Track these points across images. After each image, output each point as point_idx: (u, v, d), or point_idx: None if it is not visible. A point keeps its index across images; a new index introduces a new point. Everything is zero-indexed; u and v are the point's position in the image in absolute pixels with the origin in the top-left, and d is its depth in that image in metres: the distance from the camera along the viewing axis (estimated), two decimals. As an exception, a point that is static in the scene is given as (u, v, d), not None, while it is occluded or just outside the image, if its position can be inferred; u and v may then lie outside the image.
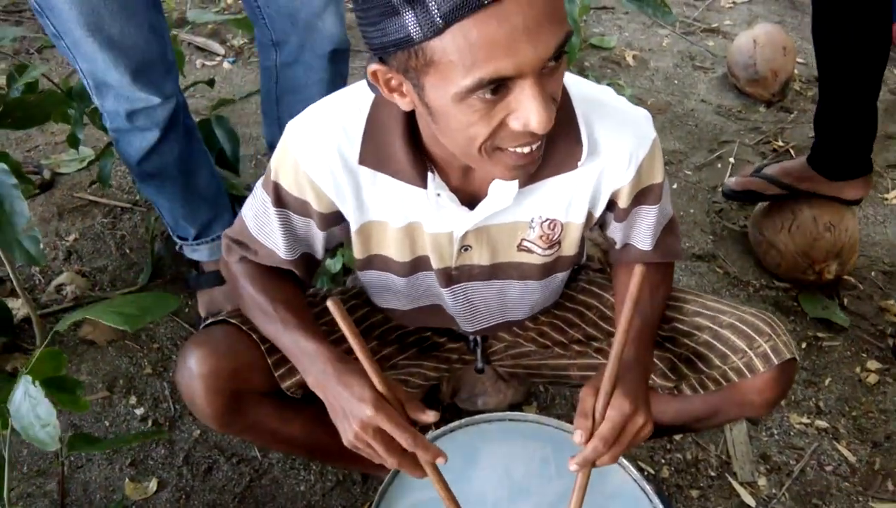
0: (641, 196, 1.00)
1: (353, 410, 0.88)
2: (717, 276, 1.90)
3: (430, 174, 0.90)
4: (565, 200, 0.97)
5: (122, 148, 1.46)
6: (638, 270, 0.86)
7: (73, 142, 1.61)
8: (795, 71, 2.64)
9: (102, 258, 1.84)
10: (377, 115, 0.90)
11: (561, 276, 1.12)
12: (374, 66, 0.76)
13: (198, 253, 1.65)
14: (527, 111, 0.73)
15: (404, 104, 0.80)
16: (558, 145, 0.91)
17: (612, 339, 1.14)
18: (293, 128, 0.94)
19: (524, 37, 0.68)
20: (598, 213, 1.01)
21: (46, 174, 2.03)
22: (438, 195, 0.91)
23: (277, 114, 1.65)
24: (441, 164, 0.91)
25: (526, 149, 0.79)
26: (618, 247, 1.09)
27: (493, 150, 0.79)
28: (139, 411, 1.54)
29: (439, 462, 0.88)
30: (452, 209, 0.93)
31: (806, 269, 1.82)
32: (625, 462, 1.03)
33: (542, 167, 0.91)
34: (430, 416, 0.89)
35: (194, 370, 0.98)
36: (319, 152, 0.92)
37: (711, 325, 1.07)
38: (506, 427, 1.09)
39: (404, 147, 0.88)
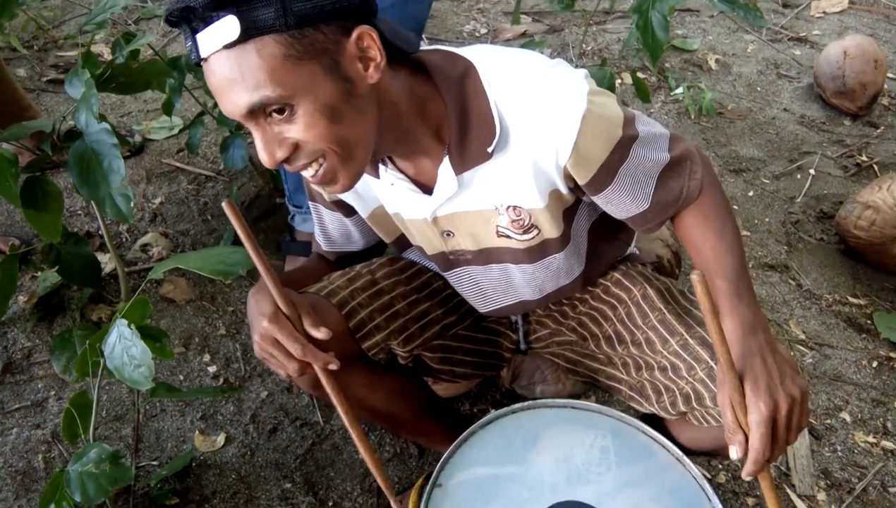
0: (604, 172, 0.95)
1: (255, 323, 0.95)
2: (788, 288, 1.86)
3: (381, 166, 0.99)
4: (513, 185, 0.97)
5: None
6: (697, 279, 0.78)
7: (168, 108, 1.69)
8: (885, 86, 2.56)
9: (185, 222, 1.93)
10: None
11: (560, 256, 1.09)
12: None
13: (308, 223, 1.72)
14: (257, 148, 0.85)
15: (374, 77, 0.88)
16: (476, 134, 0.92)
17: (631, 349, 1.13)
18: None
19: (219, 94, 0.81)
20: (564, 190, 0.98)
21: (137, 139, 2.13)
22: (392, 184, 0.99)
23: None
24: (398, 154, 0.98)
25: (307, 173, 0.88)
26: (634, 215, 1.03)
27: None
28: (212, 369, 1.61)
29: (332, 366, 0.93)
30: (413, 196, 1.00)
31: None
32: (686, 460, 1.03)
33: (466, 155, 0.94)
34: (321, 333, 0.93)
35: None
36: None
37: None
38: (568, 413, 1.11)
39: None
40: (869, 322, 1.79)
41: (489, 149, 0.92)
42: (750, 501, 1.43)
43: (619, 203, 1.00)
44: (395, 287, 1.14)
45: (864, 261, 1.94)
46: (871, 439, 1.54)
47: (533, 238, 1.05)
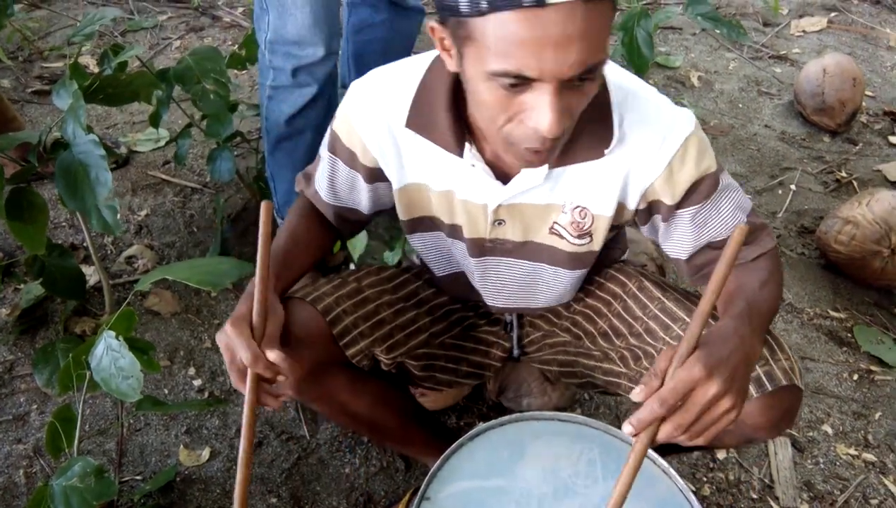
0: (687, 195, 0.98)
1: (227, 321, 0.93)
2: (770, 301, 1.89)
3: (467, 144, 0.95)
4: (595, 189, 0.99)
5: (275, 106, 1.57)
6: (737, 231, 0.77)
7: (156, 120, 1.69)
8: (864, 103, 2.61)
9: (171, 234, 1.92)
10: (428, 82, 0.96)
11: (582, 272, 1.12)
12: (433, 23, 0.83)
13: None
14: (538, 114, 0.78)
15: (451, 65, 0.84)
16: (590, 131, 0.93)
17: (630, 340, 1.14)
18: (355, 85, 1.02)
19: (553, 47, 0.72)
20: (631, 206, 1.01)
21: (123, 151, 2.13)
22: (473, 166, 0.96)
23: (347, 53, 1.90)
24: (479, 137, 0.96)
25: (534, 145, 0.83)
26: (685, 255, 1.05)
27: (507, 139, 0.84)
28: (197, 382, 1.60)
29: (281, 378, 0.91)
30: (486, 181, 0.98)
31: (881, 239, 1.84)
32: (672, 472, 1.04)
33: (572, 151, 0.94)
34: (273, 354, 0.89)
35: None
36: (370, 111, 1.00)
37: None
38: (554, 426, 1.11)
39: (447, 115, 0.94)
40: (849, 335, 1.82)
41: (606, 151, 0.94)
42: (734, 513, 1.44)
43: (680, 237, 1.03)
44: (380, 295, 1.15)
45: (845, 276, 1.97)
46: (852, 451, 1.56)
47: (583, 245, 1.06)
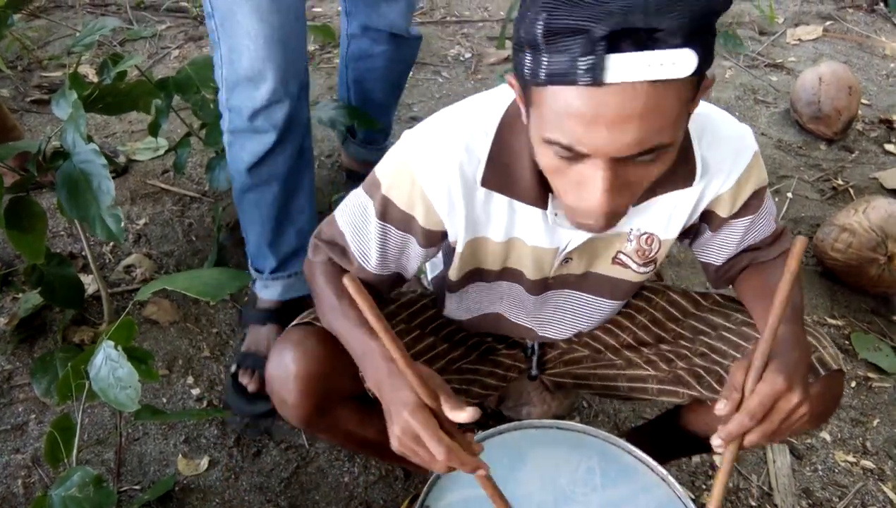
0: (743, 207, 1.00)
1: (395, 415, 0.85)
2: (767, 309, 1.89)
3: (550, 195, 0.92)
4: (667, 215, 0.99)
5: (235, 153, 1.45)
6: (799, 241, 0.80)
7: (155, 129, 1.69)
8: (859, 111, 2.62)
9: (170, 243, 1.92)
10: (504, 138, 0.91)
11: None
12: (510, 75, 0.81)
13: (269, 290, 1.61)
14: (589, 189, 0.76)
15: (524, 118, 0.82)
16: (676, 164, 0.90)
17: (660, 346, 1.16)
18: (412, 140, 0.93)
19: (607, 126, 0.70)
20: (689, 224, 1.02)
21: (122, 160, 2.13)
22: (556, 214, 0.93)
23: (346, 78, 1.84)
24: None
25: (588, 222, 0.81)
26: (720, 261, 1.08)
27: (567, 206, 0.82)
28: (195, 391, 1.60)
29: (481, 472, 0.86)
30: (566, 227, 0.95)
31: (877, 246, 1.84)
32: (671, 479, 1.04)
33: (658, 184, 0.91)
34: (465, 414, 0.83)
35: (291, 369, 0.98)
36: (440, 169, 0.92)
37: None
38: (553, 434, 1.11)
39: (531, 170, 0.90)
40: (847, 342, 1.82)
41: (694, 182, 0.94)
42: (733, 521, 1.44)
43: (723, 244, 1.05)
44: (398, 324, 1.13)
45: (842, 283, 1.97)
46: (850, 458, 1.56)
47: (647, 271, 1.05)
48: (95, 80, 1.63)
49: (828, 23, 3.31)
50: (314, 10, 3.13)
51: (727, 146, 0.95)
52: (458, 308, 1.16)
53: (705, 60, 0.69)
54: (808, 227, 2.17)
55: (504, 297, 1.11)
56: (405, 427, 0.84)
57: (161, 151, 2.17)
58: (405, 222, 0.97)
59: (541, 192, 0.92)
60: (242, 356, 1.57)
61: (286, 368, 0.99)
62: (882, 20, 3.39)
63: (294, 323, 1.09)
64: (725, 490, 0.84)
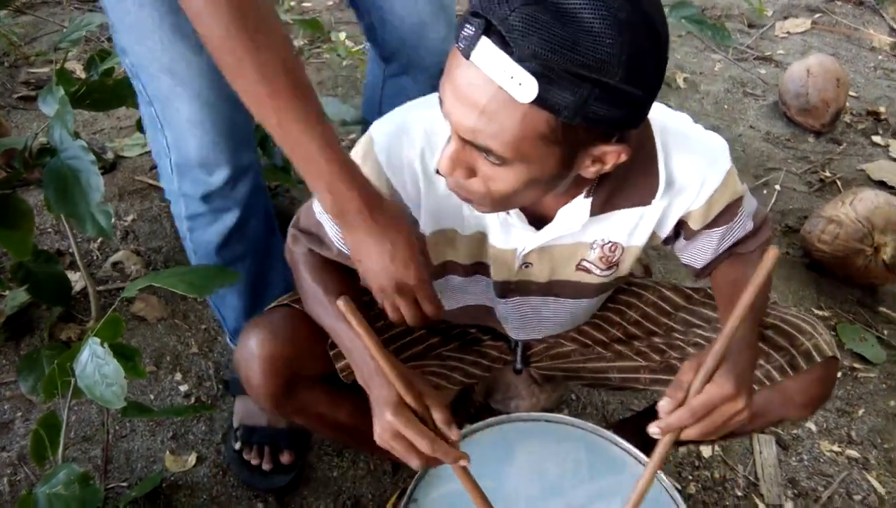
0: (715, 219, 1.01)
1: (379, 411, 0.89)
2: (755, 301, 1.90)
3: None
4: (631, 226, 0.99)
5: (198, 237, 1.34)
6: (771, 252, 0.81)
7: (142, 126, 1.68)
8: (847, 103, 2.63)
9: (158, 239, 1.92)
10: None
11: (605, 294, 1.15)
12: None
13: None
14: (444, 148, 0.80)
15: None
16: (636, 178, 0.93)
17: (652, 339, 1.17)
18: (380, 129, 0.95)
19: (456, 98, 0.74)
20: (663, 235, 1.03)
21: (110, 156, 2.12)
22: (507, 213, 0.94)
23: (379, 107, 1.63)
24: None
25: (446, 178, 0.84)
26: (699, 264, 1.09)
27: None
28: (183, 387, 1.60)
29: (462, 462, 0.89)
30: (519, 227, 0.96)
31: (864, 238, 1.85)
32: (658, 471, 1.05)
33: (616, 198, 0.94)
34: (453, 434, 0.88)
35: (255, 351, 1.01)
36: (403, 158, 0.94)
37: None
38: (541, 427, 1.12)
39: None
40: (833, 333, 1.84)
41: (653, 200, 0.94)
42: (720, 512, 1.45)
43: (701, 250, 1.05)
44: (376, 307, 1.14)
45: (829, 274, 1.99)
46: (836, 448, 1.58)
47: (611, 275, 1.06)
48: (83, 75, 1.62)
49: (816, 15, 3.32)
50: (304, 4, 3.12)
51: (697, 164, 0.95)
52: (444, 298, 1.15)
53: (568, 111, 0.69)
54: (796, 219, 2.18)
55: (482, 291, 1.12)
56: (387, 424, 0.87)
57: (149, 147, 2.16)
58: None
59: None
60: (244, 431, 1.45)
61: (250, 350, 1.02)
62: (870, 13, 3.40)
63: (270, 306, 1.11)
64: (653, 477, 0.86)
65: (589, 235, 1.00)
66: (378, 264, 0.92)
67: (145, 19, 1.07)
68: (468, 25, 0.70)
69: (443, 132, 0.93)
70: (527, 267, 1.03)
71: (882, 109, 2.72)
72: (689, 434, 0.84)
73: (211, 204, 1.27)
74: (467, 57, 0.70)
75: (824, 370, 1.02)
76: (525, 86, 0.68)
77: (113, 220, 1.93)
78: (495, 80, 0.70)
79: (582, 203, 0.93)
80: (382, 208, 0.90)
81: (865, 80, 2.91)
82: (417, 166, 0.94)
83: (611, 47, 0.67)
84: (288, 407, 1.08)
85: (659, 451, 0.85)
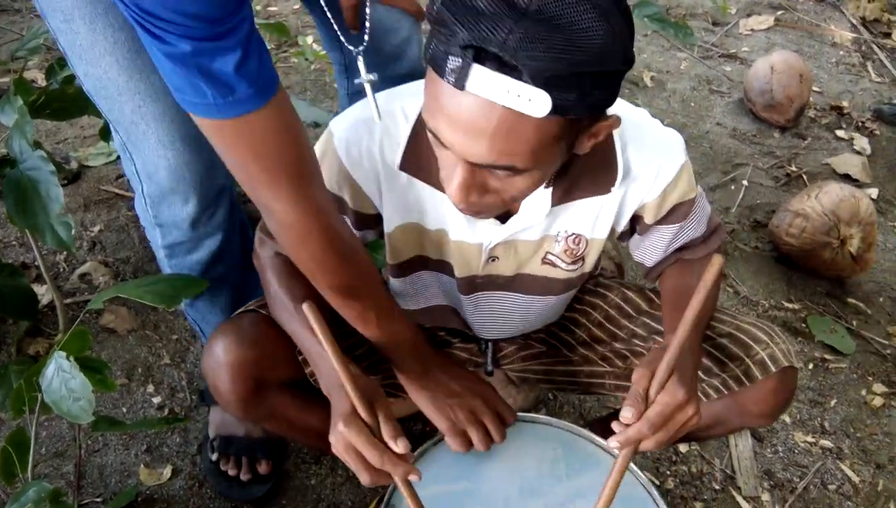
0: (668, 215, 1.02)
1: (333, 421, 0.89)
2: (726, 296, 1.92)
3: None
4: (593, 216, 1.01)
5: (177, 264, 1.27)
6: (716, 260, 0.82)
7: (105, 134, 1.66)
8: (811, 99, 2.67)
9: (126, 250, 1.89)
10: (424, 125, 0.92)
11: (571, 293, 1.16)
12: None
13: None
14: (448, 177, 0.80)
15: None
16: (595, 168, 0.94)
17: (614, 344, 1.17)
18: (339, 123, 0.96)
19: (463, 131, 0.72)
20: (620, 229, 1.05)
21: (74, 166, 2.08)
22: None
23: None
24: None
25: (456, 204, 0.83)
26: (650, 263, 1.11)
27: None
28: (156, 399, 1.57)
29: (412, 478, 0.89)
30: (484, 221, 0.97)
31: (830, 230, 1.88)
32: (635, 468, 1.05)
33: (576, 188, 0.95)
34: (399, 447, 0.87)
35: (221, 358, 1.01)
36: (362, 152, 0.94)
37: (711, 335, 1.08)
38: (518, 427, 1.12)
39: None
40: (804, 325, 1.86)
41: (613, 187, 0.95)
42: (698, 505, 1.46)
43: (652, 247, 1.07)
44: None
45: (797, 268, 2.02)
46: (810, 439, 1.60)
47: (576, 269, 1.06)
48: (44, 84, 1.59)
49: (779, 12, 3.37)
50: (270, 8, 3.09)
51: (653, 154, 0.97)
52: (403, 293, 1.15)
53: (576, 108, 0.71)
54: (764, 214, 2.21)
55: (447, 291, 1.12)
56: (339, 435, 0.88)
57: (114, 156, 2.12)
58: (337, 203, 0.98)
59: None
60: (220, 441, 1.42)
61: (216, 358, 1.01)
62: (831, 9, 3.46)
63: (238, 311, 1.10)
64: (614, 494, 0.87)
65: (553, 228, 1.01)
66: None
67: (98, 40, 1.02)
68: (452, 57, 0.69)
69: (402, 129, 0.94)
70: (493, 260, 1.04)
71: (845, 104, 2.77)
72: (646, 445, 0.86)
73: (194, 231, 1.22)
74: (462, 88, 0.69)
75: (780, 380, 1.02)
76: (536, 101, 0.68)
77: (79, 231, 1.91)
78: (501, 103, 0.69)
79: (543, 193, 0.94)
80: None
81: (828, 75, 2.97)
82: (377, 158, 0.95)
83: (604, 37, 0.68)
84: (257, 413, 1.07)
85: (619, 463, 0.87)
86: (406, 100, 0.95)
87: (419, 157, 0.93)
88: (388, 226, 1.01)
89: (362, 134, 0.94)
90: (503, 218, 0.98)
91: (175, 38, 0.69)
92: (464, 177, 0.77)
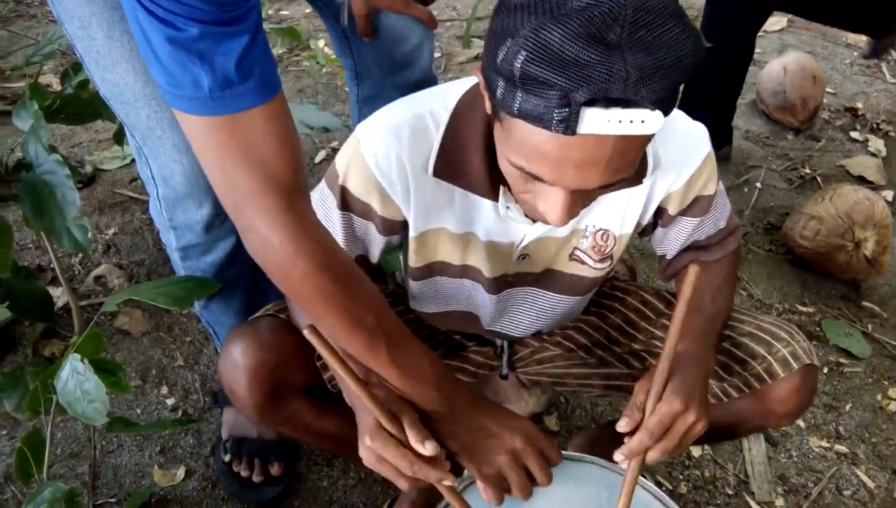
0: (690, 206, 1.03)
1: (361, 436, 0.90)
2: (740, 299, 1.91)
3: (502, 187, 0.94)
4: (621, 211, 1.01)
5: (192, 266, 1.27)
6: (692, 270, 0.86)
7: (120, 138, 1.67)
8: (825, 100, 2.66)
9: (140, 252, 1.90)
10: (456, 130, 0.93)
11: (592, 292, 1.16)
12: (476, 69, 0.82)
13: None
14: (548, 206, 0.81)
15: (488, 107, 0.82)
16: None
17: (633, 345, 1.18)
18: (366, 130, 0.95)
19: (574, 168, 0.74)
20: (645, 221, 1.05)
21: (88, 170, 2.10)
22: (507, 208, 0.95)
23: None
24: None
25: (547, 222, 0.85)
26: (670, 255, 1.11)
27: (524, 204, 0.89)
28: (170, 401, 1.58)
29: (447, 482, 0.89)
30: (518, 221, 0.97)
31: (844, 233, 1.87)
32: (642, 479, 1.02)
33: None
34: (427, 449, 0.87)
35: (238, 361, 1.00)
36: (392, 158, 0.93)
37: (731, 334, 1.09)
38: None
39: (483, 162, 0.91)
40: (818, 329, 1.85)
41: (644, 178, 0.96)
42: (711, 510, 1.46)
43: (675, 238, 1.07)
44: None
45: (812, 271, 2.00)
46: (824, 444, 1.59)
47: (605, 268, 1.07)
48: (59, 89, 1.60)
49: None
50: (282, 13, 3.11)
51: (679, 144, 0.97)
52: (421, 297, 1.15)
53: (671, 107, 0.74)
54: (778, 216, 2.20)
55: (469, 296, 1.11)
56: (368, 449, 0.89)
57: (128, 160, 2.14)
58: (364, 210, 0.99)
59: (492, 184, 0.93)
60: (233, 443, 1.42)
61: (234, 362, 1.01)
62: (845, 10, 3.43)
63: (255, 315, 1.10)
64: (629, 502, 0.88)
65: (582, 222, 1.01)
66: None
67: (114, 46, 1.03)
68: (559, 111, 0.68)
69: (433, 135, 0.93)
70: (524, 258, 1.04)
71: (859, 105, 2.75)
72: (652, 456, 0.88)
73: (208, 234, 1.22)
74: (573, 133, 0.70)
75: (802, 378, 1.03)
76: (650, 120, 0.69)
77: (94, 234, 1.92)
78: (616, 133, 0.70)
79: None
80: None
81: (842, 76, 2.95)
82: (406, 164, 0.94)
83: (690, 40, 0.70)
84: (274, 418, 1.07)
85: (629, 476, 0.89)
86: (434, 104, 0.94)
87: (453, 162, 0.94)
88: (415, 230, 1.00)
89: (391, 141, 0.93)
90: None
91: (183, 21, 0.68)
92: (566, 201, 0.79)
